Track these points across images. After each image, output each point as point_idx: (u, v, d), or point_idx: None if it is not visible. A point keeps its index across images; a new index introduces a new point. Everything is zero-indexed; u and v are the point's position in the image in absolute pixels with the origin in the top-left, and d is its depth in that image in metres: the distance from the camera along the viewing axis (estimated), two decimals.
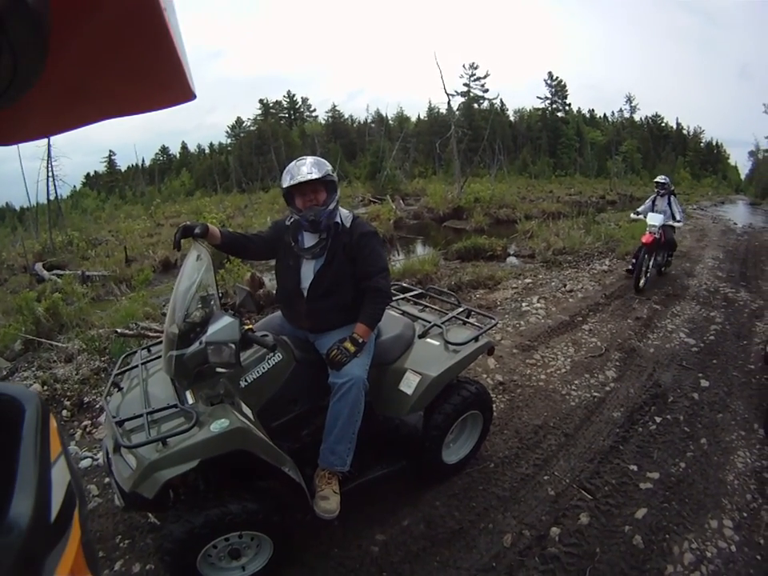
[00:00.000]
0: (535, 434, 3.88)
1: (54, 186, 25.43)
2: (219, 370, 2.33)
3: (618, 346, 5.66)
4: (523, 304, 7.02)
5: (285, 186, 2.58)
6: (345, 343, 2.58)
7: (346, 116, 66.66)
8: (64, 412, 4.44)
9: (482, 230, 15.18)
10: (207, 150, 65.91)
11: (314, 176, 2.54)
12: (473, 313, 3.73)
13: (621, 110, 65.66)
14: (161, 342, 2.74)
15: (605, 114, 68.46)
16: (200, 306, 2.46)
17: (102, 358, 5.29)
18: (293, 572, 2.60)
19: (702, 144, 68.37)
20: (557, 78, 61.63)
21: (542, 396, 4.48)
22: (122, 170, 61.13)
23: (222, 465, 2.27)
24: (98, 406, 4.44)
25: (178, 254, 11.84)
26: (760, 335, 6.13)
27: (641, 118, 66.13)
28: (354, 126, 65.17)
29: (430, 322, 3.33)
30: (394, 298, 3.63)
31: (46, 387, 4.72)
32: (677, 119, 68.95)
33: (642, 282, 7.65)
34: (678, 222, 8.18)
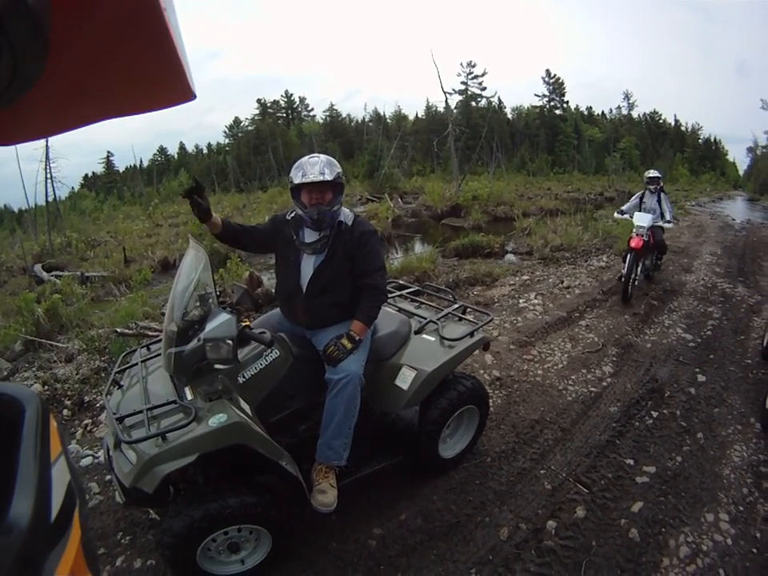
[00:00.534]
0: (532, 429, 3.92)
1: (53, 187, 25.53)
2: (217, 366, 2.38)
3: (615, 341, 5.69)
4: (520, 300, 7.04)
5: (296, 182, 2.61)
6: (341, 340, 2.61)
7: (344, 115, 66.67)
8: (65, 411, 4.47)
9: (479, 227, 15.26)
10: (205, 150, 66.03)
11: (327, 177, 2.58)
12: (468, 309, 3.76)
13: (619, 107, 66.21)
14: (160, 341, 2.78)
15: (603, 112, 68.80)
16: (198, 304, 2.52)
17: (102, 358, 5.31)
18: (291, 566, 2.63)
19: (700, 140, 68.33)
20: (554, 75, 61.67)
21: (539, 391, 4.51)
22: (120, 171, 61.09)
23: (221, 460, 2.31)
24: (98, 404, 4.46)
25: (177, 254, 11.92)
26: (757, 330, 6.15)
27: (639, 115, 66.44)
28: (352, 125, 64.97)
29: (425, 319, 3.36)
30: (390, 295, 3.68)
31: (46, 387, 4.75)
32: (675, 116, 68.75)
33: (630, 290, 6.98)
34: (669, 222, 7.53)
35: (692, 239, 12.97)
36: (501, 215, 18.51)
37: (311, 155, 2.70)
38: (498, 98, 60.21)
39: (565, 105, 62.62)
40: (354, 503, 2.86)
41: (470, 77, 56.12)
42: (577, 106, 66.11)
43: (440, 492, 3.21)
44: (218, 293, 2.62)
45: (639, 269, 7.19)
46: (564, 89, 61.95)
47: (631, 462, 3.57)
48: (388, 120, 57.90)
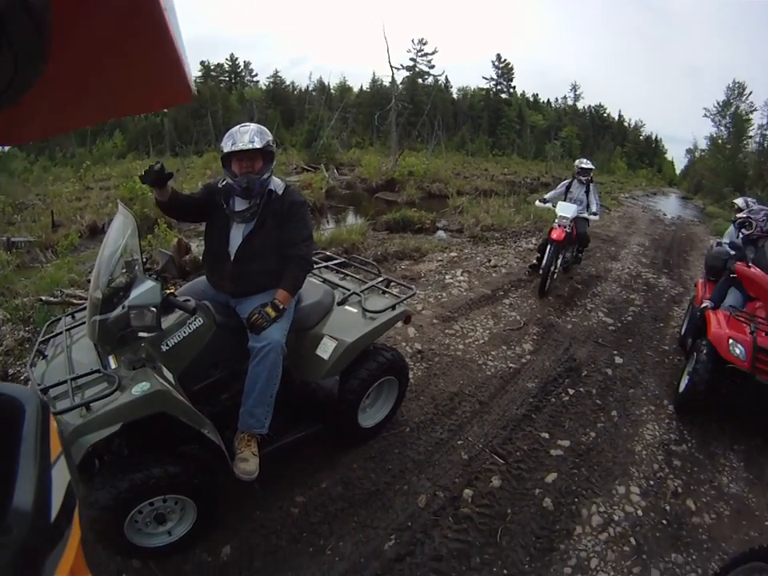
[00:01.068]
0: (451, 401, 4.05)
1: None
2: (141, 334, 2.42)
3: (537, 320, 5.94)
4: (447, 276, 7.18)
5: (226, 150, 2.67)
6: (266, 308, 2.69)
7: (288, 83, 65.15)
8: None
9: (413, 203, 15.44)
10: None
11: (256, 145, 2.65)
12: (392, 283, 3.88)
13: (565, 97, 68.89)
14: (85, 308, 2.82)
15: (548, 100, 71.16)
16: (124, 270, 2.55)
17: (27, 328, 5.07)
18: (217, 535, 2.70)
19: (641, 137, 72.30)
20: (505, 60, 62.39)
21: (459, 365, 4.65)
22: None
23: (146, 430, 2.36)
24: (23, 377, 4.25)
25: (106, 219, 11.38)
26: (677, 319, 6.59)
27: (584, 107, 69.35)
28: (295, 93, 63.63)
29: (349, 290, 3.47)
30: (316, 266, 3.78)
31: None
32: (619, 111, 72.09)
33: (548, 284, 6.75)
34: (595, 214, 7.31)
35: (622, 229, 13.63)
36: (435, 192, 18.73)
37: (242, 124, 2.78)
38: (446, 77, 60.81)
39: (512, 90, 63.73)
40: (277, 471, 2.93)
41: (419, 54, 55.92)
42: (523, 92, 68.20)
43: (360, 460, 3.32)
44: (144, 260, 2.63)
45: (559, 261, 7.01)
46: (513, 74, 62.96)
47: (546, 435, 3.76)
48: (332, 91, 57.14)
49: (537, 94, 70.36)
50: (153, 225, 8.24)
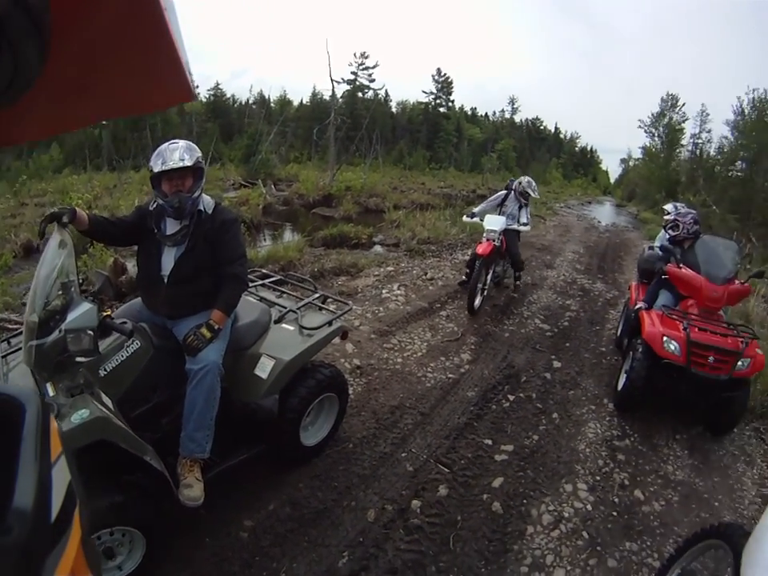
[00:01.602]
0: (392, 415, 4.13)
1: None
2: (79, 359, 2.34)
3: (474, 331, 6.14)
4: (384, 291, 7.32)
5: (156, 170, 2.66)
6: (201, 329, 2.69)
7: (228, 95, 64.45)
8: None
9: (350, 218, 15.59)
10: None
11: (187, 163, 2.66)
12: (329, 299, 3.97)
13: (503, 111, 71.67)
14: (21, 333, 2.70)
15: (486, 113, 73.93)
16: (60, 292, 2.47)
17: None
18: (170, 567, 2.64)
19: (576, 148, 75.75)
20: (445, 74, 63.82)
21: (399, 378, 4.75)
22: None
23: (88, 461, 2.25)
24: None
25: (41, 240, 10.85)
26: (612, 322, 6.95)
27: (521, 120, 72.32)
28: (236, 106, 63.02)
29: (286, 308, 3.52)
30: (252, 284, 3.82)
31: None
32: (556, 124, 75.37)
33: (477, 301, 6.66)
34: (525, 224, 7.31)
35: (557, 238, 14.20)
36: (372, 207, 18.92)
37: (171, 141, 2.77)
38: (386, 90, 61.59)
39: (450, 103, 65.28)
40: (222, 495, 2.93)
41: (360, 67, 56.54)
42: (462, 105, 70.22)
43: (306, 479, 3.34)
44: (80, 280, 2.58)
45: (489, 277, 6.98)
46: (452, 88, 64.41)
47: (489, 441, 3.91)
48: (272, 104, 56.80)
49: (475, 108, 73.25)
50: (88, 244, 8.00)
